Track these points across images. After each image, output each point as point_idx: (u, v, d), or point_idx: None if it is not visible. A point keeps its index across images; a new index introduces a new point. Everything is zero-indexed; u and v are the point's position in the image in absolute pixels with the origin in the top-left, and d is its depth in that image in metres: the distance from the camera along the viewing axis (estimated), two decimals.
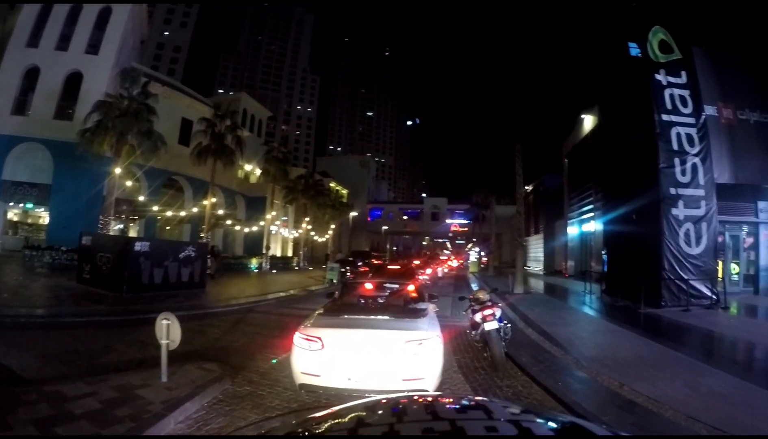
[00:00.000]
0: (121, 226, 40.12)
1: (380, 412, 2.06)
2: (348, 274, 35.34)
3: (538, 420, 1.88)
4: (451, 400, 2.40)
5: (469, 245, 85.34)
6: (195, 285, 21.71)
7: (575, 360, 9.92)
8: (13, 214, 36.92)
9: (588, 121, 37.24)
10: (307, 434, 1.88)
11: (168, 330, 7.40)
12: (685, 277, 18.94)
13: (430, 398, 2.45)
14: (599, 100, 29.22)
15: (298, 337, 6.96)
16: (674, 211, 19.42)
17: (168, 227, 44.47)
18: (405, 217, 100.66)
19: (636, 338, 12.79)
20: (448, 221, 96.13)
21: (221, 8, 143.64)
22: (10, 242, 34.29)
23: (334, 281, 30.80)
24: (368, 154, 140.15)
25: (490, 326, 9.34)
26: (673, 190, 19.59)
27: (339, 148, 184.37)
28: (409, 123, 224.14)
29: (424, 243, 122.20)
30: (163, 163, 35.77)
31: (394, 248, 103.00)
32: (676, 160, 19.86)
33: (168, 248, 21.71)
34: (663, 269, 19.03)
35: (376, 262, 49.03)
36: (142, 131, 26.62)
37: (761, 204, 22.70)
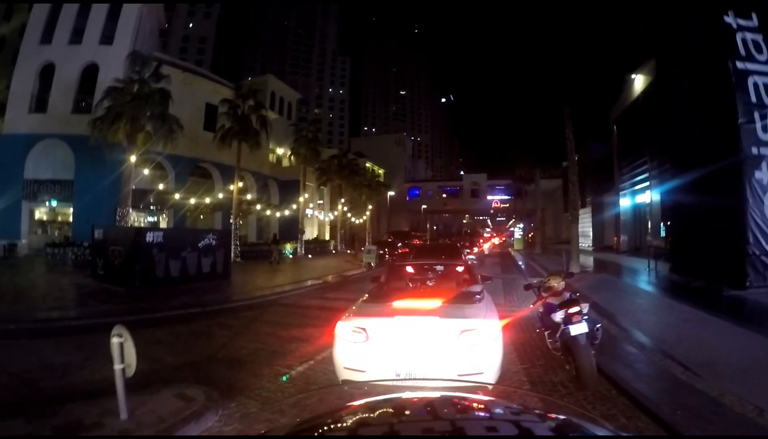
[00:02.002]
0: (154, 218, 39.41)
1: (380, 412, 1.97)
2: (387, 256, 33.68)
3: (538, 420, 1.85)
4: (451, 400, 2.17)
5: (511, 222, 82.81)
6: (217, 276, 20.10)
7: (681, 368, 7.35)
8: (41, 213, 36.55)
9: (639, 82, 34.09)
10: (307, 434, 1.80)
11: (122, 351, 5.35)
12: None
13: (430, 398, 2.20)
14: (656, 55, 26.20)
15: (340, 327, 6.21)
16: (758, 174, 16.26)
17: (202, 216, 43.38)
18: (444, 196, 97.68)
19: (739, 331, 10.09)
20: (488, 197, 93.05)
21: None
22: (36, 240, 33.77)
23: (372, 265, 28.93)
24: (404, 133, 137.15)
25: (578, 329, 6.71)
26: (755, 150, 16.42)
27: (374, 130, 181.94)
28: (443, 100, 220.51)
29: (464, 221, 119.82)
30: (188, 151, 35.91)
31: (434, 227, 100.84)
32: (756, 115, 16.72)
33: (185, 237, 20.15)
34: (747, 243, 15.91)
35: (417, 242, 47.26)
36: (155, 115, 25.24)
37: None
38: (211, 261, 19.84)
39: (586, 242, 52.13)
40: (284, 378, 7.36)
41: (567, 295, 7.46)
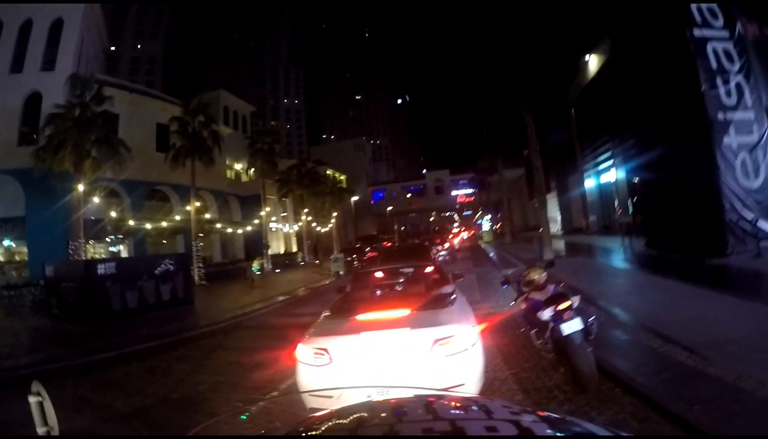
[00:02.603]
0: (114, 248, 38.27)
1: (380, 412, 1.98)
2: (355, 263, 33.05)
3: (539, 420, 1.75)
4: (451, 400, 2.25)
5: (478, 215, 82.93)
6: (179, 302, 18.94)
7: (686, 352, 6.63)
8: None
9: (593, 63, 33.95)
10: (307, 434, 1.84)
11: (42, 411, 4.44)
12: (750, 216, 15.74)
13: (430, 398, 2.19)
14: (609, 33, 26.04)
15: (301, 350, 5.67)
16: (726, 140, 16.16)
17: (165, 241, 42.05)
18: (409, 195, 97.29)
19: (733, 301, 9.51)
20: (453, 192, 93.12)
21: (192, 14, 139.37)
22: None
23: (340, 274, 28.08)
24: (363, 138, 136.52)
25: (571, 327, 5.86)
26: (721, 115, 16.34)
27: (332, 137, 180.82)
28: (399, 101, 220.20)
29: (431, 219, 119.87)
30: (142, 174, 35.00)
31: (402, 228, 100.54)
32: (719, 80, 16.67)
33: (140, 265, 18.99)
34: (723, 210, 15.73)
35: (386, 244, 46.77)
36: (100, 139, 24.16)
37: None
38: (171, 287, 18.73)
39: (554, 226, 52.17)
40: (243, 417, 6.50)
41: (551, 287, 6.71)
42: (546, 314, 6.15)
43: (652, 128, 19.90)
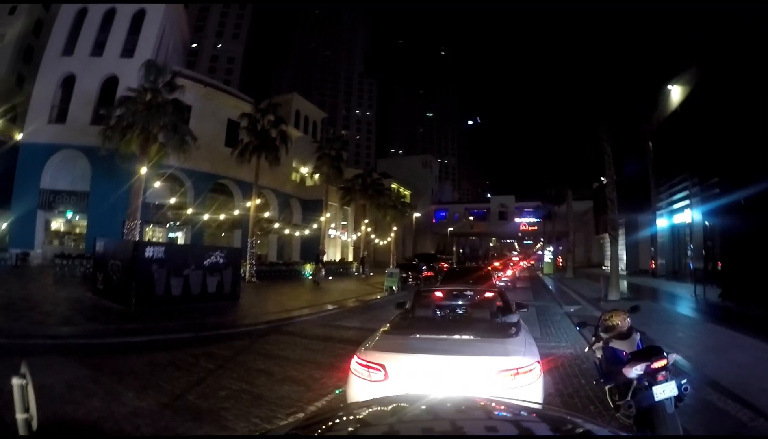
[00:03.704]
0: (173, 233, 39.70)
1: (381, 412, 2.00)
2: (410, 280, 32.16)
3: (539, 420, 1.81)
4: (452, 400, 2.12)
5: (538, 245, 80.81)
6: (224, 296, 18.64)
7: None
8: (58, 224, 36.64)
9: (676, 93, 31.87)
10: (307, 434, 1.82)
11: (25, 395, 3.76)
12: None
13: (431, 398, 2.12)
14: (698, 61, 24.28)
15: (355, 363, 5.37)
16: None
17: (223, 234, 42.39)
18: (471, 218, 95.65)
19: None
20: (516, 219, 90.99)
21: (272, 18, 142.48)
22: (51, 251, 33.17)
23: (394, 289, 26.97)
24: (430, 155, 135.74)
25: (665, 391, 4.66)
26: None
27: (401, 151, 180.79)
28: (470, 122, 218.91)
29: (491, 244, 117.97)
30: (209, 166, 36.15)
31: (461, 250, 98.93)
32: None
33: (189, 254, 18.78)
34: None
35: (442, 265, 45.52)
36: (167, 126, 24.37)
37: None
38: (218, 280, 18.40)
39: (620, 265, 49.92)
40: None
41: (636, 337, 5.52)
42: (635, 371, 4.84)
43: (739, 168, 18.19)
